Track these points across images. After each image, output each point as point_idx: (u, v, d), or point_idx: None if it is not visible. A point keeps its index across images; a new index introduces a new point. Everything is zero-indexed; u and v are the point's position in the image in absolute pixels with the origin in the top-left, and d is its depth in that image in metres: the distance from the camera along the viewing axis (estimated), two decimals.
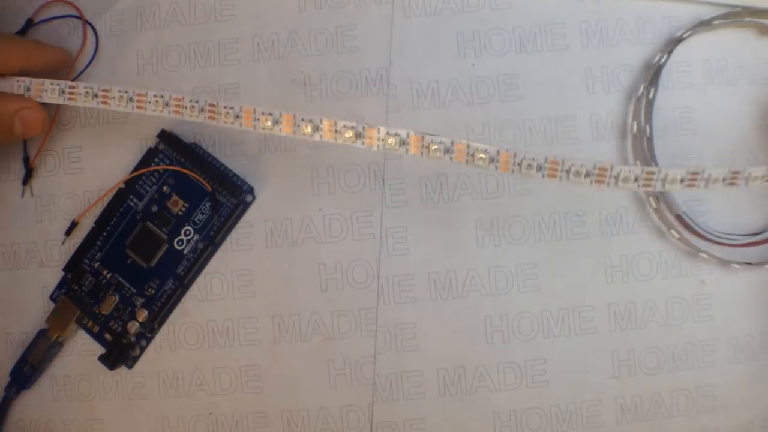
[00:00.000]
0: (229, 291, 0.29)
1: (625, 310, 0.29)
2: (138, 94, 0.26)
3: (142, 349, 0.29)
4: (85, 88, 0.27)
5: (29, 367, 0.29)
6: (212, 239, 0.29)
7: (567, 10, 0.30)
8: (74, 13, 0.30)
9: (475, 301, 0.29)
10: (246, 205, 0.29)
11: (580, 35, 0.30)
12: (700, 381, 0.29)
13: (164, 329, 0.29)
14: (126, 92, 0.26)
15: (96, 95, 0.27)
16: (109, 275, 0.29)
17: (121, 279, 0.29)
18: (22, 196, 0.30)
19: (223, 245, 0.29)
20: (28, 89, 0.28)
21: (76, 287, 0.29)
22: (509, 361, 0.29)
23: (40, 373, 0.29)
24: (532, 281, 0.29)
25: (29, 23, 0.31)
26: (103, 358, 0.29)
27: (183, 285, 0.29)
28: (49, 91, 0.27)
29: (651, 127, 0.29)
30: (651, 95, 0.29)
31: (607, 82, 0.29)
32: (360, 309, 0.29)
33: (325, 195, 0.30)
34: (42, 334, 0.29)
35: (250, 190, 0.29)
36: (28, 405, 0.30)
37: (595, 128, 0.29)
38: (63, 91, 0.27)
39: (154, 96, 0.26)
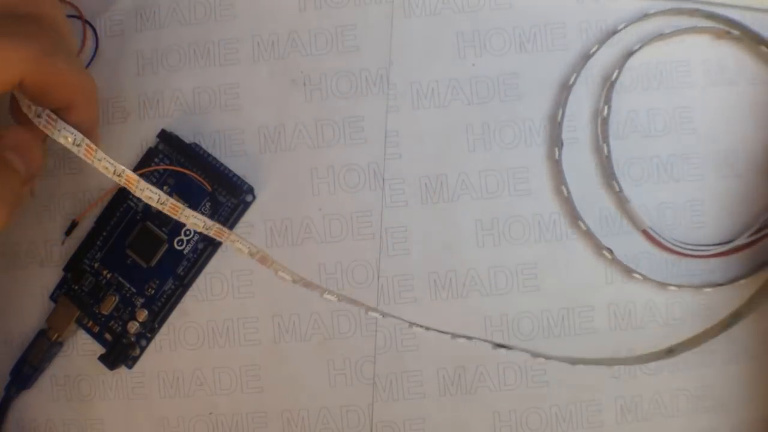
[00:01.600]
0: (229, 291, 0.29)
1: (625, 310, 0.29)
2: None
3: (142, 349, 0.29)
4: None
5: (29, 366, 0.29)
6: (212, 239, 0.29)
7: (567, 10, 0.30)
8: (74, 13, 0.30)
9: (475, 301, 0.29)
10: (246, 205, 0.29)
11: (579, 35, 0.30)
12: (699, 381, 0.29)
13: (164, 329, 0.29)
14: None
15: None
16: (109, 275, 0.29)
17: (121, 279, 0.29)
18: None
19: (223, 245, 0.29)
20: (78, 145, 0.22)
21: (76, 287, 0.29)
22: (509, 361, 0.29)
23: (40, 373, 0.29)
24: (532, 281, 0.29)
25: None
26: (103, 358, 0.29)
27: (183, 285, 0.29)
28: (102, 163, 0.21)
29: (607, 134, 0.29)
30: (606, 113, 0.29)
31: (607, 82, 0.29)
32: (360, 309, 0.29)
33: (325, 195, 0.30)
34: (42, 334, 0.29)
35: (250, 190, 0.29)
36: (28, 405, 0.30)
37: (595, 128, 0.29)
38: (119, 174, 0.22)
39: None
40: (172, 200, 0.22)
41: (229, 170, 0.29)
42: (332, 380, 0.29)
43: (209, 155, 0.29)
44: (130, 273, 0.29)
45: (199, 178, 0.29)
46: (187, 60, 0.30)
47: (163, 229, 0.29)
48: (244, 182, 0.29)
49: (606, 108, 0.29)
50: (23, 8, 0.21)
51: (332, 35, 0.30)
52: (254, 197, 0.30)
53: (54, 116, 0.21)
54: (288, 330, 0.29)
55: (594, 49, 0.29)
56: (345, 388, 0.29)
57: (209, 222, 0.23)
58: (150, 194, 0.22)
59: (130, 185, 0.22)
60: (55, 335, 0.29)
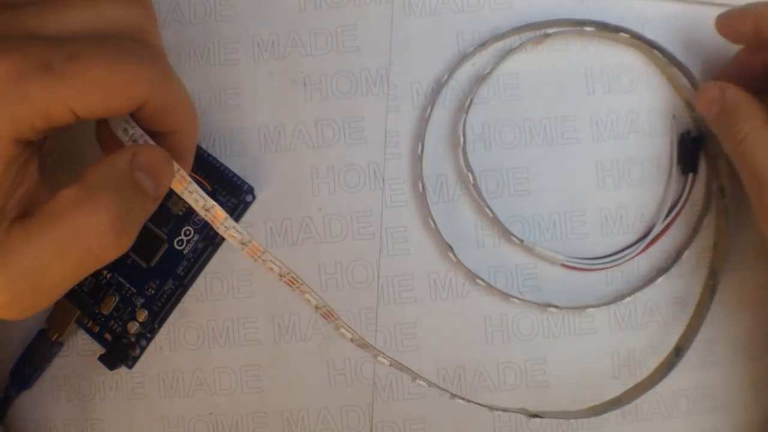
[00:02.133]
0: (229, 291, 0.29)
1: (625, 310, 0.29)
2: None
3: (142, 349, 0.29)
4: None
5: (29, 367, 0.29)
6: (212, 239, 0.29)
7: (567, 11, 0.30)
8: None
9: (475, 301, 0.29)
10: (246, 205, 0.29)
11: (579, 35, 0.30)
12: (700, 381, 0.29)
13: (164, 329, 0.29)
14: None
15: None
16: (108, 275, 0.29)
17: (121, 279, 0.29)
18: None
19: (223, 245, 0.29)
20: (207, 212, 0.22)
21: (76, 287, 0.29)
22: (509, 361, 0.29)
23: (40, 373, 0.29)
24: (532, 281, 0.29)
25: None
26: (103, 358, 0.29)
27: (183, 285, 0.29)
28: (192, 196, 0.21)
29: (480, 192, 0.29)
30: (472, 179, 0.29)
31: (607, 82, 0.29)
32: (360, 309, 0.29)
33: (325, 195, 0.30)
34: (42, 334, 0.29)
35: (250, 190, 0.29)
36: (28, 405, 0.30)
37: (595, 128, 0.29)
38: (208, 210, 0.22)
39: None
40: (254, 242, 0.22)
41: (229, 170, 0.29)
42: (332, 380, 0.29)
43: (209, 155, 0.29)
44: (130, 273, 0.29)
45: (199, 178, 0.29)
46: (187, 60, 0.30)
47: (163, 229, 0.29)
48: (244, 182, 0.29)
49: (470, 175, 0.28)
50: (140, 35, 0.21)
51: (332, 35, 0.30)
52: (254, 197, 0.30)
53: (151, 141, 0.21)
54: (288, 330, 0.29)
55: (445, 78, 0.29)
56: (345, 388, 0.29)
57: (285, 269, 0.23)
58: (234, 234, 0.22)
59: (215, 222, 0.22)
60: (55, 335, 0.29)
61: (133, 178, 0.20)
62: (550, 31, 0.29)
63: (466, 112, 0.29)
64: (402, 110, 0.30)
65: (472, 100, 0.29)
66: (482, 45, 0.29)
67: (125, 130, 0.21)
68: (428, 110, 0.29)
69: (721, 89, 0.27)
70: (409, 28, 0.30)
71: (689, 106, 0.29)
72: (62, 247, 0.18)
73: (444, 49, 0.30)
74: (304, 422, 0.29)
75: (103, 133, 0.22)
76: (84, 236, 0.18)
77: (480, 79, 0.29)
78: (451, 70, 0.29)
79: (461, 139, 0.29)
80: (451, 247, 0.28)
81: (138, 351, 0.29)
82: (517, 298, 0.28)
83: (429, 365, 0.29)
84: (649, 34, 0.29)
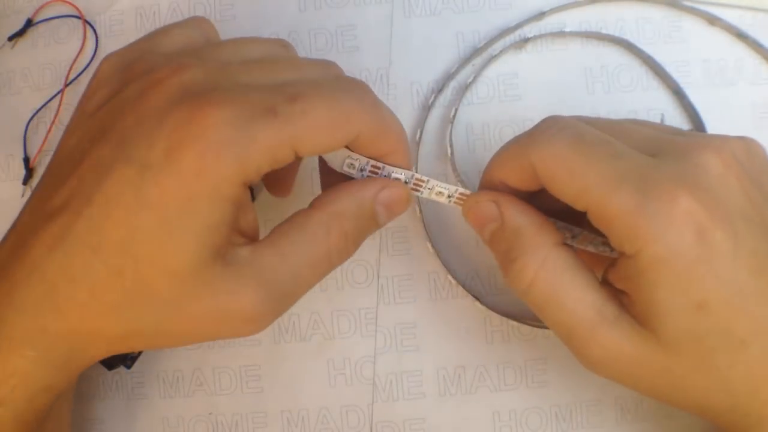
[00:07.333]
0: None
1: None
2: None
3: (141, 350, 0.29)
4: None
5: None
6: None
7: (567, 11, 0.30)
8: (74, 13, 0.30)
9: (475, 300, 0.29)
10: None
11: (579, 35, 0.30)
12: None
13: None
14: None
15: None
16: None
17: None
18: (23, 196, 0.30)
19: None
20: (407, 183, 0.23)
21: None
22: (509, 361, 0.29)
23: None
24: None
25: (29, 23, 0.31)
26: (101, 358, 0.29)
27: None
28: (435, 190, 0.23)
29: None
30: (452, 114, 0.29)
31: (607, 81, 0.29)
32: (360, 309, 0.29)
33: None
34: None
35: (249, 191, 0.29)
36: None
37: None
38: (450, 196, 0.23)
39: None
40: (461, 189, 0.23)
41: None
42: (332, 380, 0.29)
43: None
44: None
45: None
46: None
47: None
48: None
49: (458, 187, 0.28)
50: (335, 69, 0.23)
51: (332, 35, 0.30)
52: (254, 198, 0.30)
53: (378, 164, 0.22)
54: (288, 330, 0.29)
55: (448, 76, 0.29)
56: (345, 388, 0.29)
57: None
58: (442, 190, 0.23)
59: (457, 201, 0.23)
60: None
61: (372, 209, 0.22)
62: (529, 35, 0.29)
63: (452, 122, 0.29)
64: (402, 110, 0.30)
65: (456, 110, 0.29)
66: (482, 47, 0.29)
67: (351, 164, 0.22)
68: (427, 111, 0.29)
69: (497, 203, 0.22)
70: (409, 28, 0.30)
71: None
72: (313, 261, 0.21)
73: (444, 49, 0.30)
74: (304, 422, 0.29)
75: (324, 166, 0.23)
76: (330, 254, 0.21)
77: (464, 87, 0.29)
78: (451, 70, 0.29)
79: (449, 149, 0.28)
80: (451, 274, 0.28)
81: (136, 351, 0.29)
82: (513, 319, 0.28)
83: (429, 365, 0.29)
84: (649, 35, 0.29)
